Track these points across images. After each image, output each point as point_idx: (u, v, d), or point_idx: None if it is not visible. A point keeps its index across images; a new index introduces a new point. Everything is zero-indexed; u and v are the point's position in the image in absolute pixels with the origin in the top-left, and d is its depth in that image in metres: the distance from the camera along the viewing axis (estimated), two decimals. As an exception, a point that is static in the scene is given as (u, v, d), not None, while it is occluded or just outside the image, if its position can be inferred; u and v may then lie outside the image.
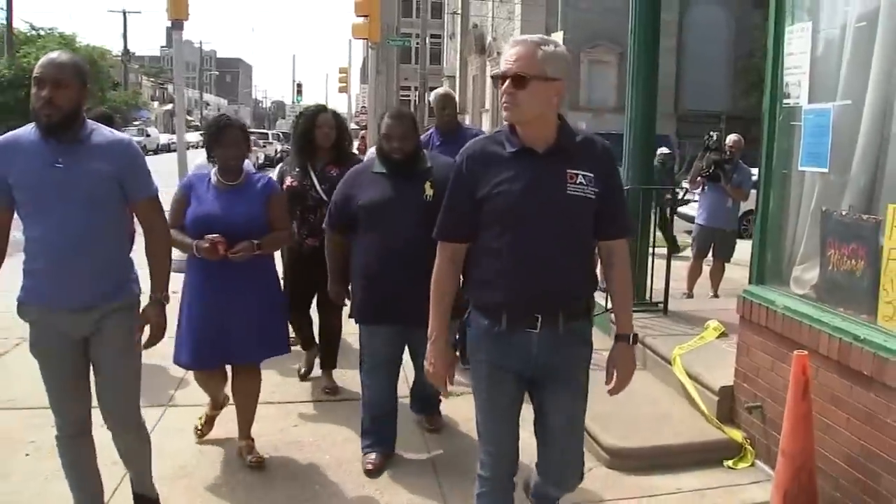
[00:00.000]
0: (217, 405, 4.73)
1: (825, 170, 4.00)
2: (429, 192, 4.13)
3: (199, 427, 4.74)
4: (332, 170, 5.18)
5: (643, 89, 6.58)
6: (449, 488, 4.15)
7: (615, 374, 3.00)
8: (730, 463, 4.37)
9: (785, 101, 4.30)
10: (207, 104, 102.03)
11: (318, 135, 5.38)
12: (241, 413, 4.51)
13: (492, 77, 2.89)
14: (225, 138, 4.20)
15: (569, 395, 3.00)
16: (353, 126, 28.57)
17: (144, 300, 3.46)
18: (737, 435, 4.46)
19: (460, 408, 4.84)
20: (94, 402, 3.49)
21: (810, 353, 3.70)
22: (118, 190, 3.33)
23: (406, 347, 4.50)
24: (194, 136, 62.11)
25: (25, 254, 3.30)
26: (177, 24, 10.33)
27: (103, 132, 3.36)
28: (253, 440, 4.51)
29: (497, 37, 40.39)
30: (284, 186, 5.33)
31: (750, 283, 4.58)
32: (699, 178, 8.60)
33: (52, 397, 3.42)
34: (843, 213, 3.87)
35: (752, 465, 4.34)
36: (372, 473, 4.34)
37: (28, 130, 3.27)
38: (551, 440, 3.03)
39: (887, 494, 3.39)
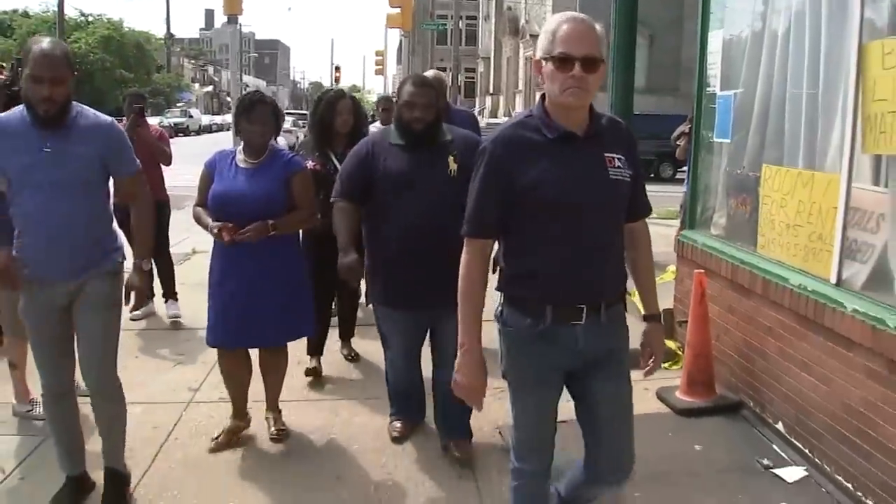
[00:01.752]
0: (239, 413, 4.54)
1: (728, 141, 5.34)
2: (453, 166, 3.94)
3: (217, 436, 4.48)
4: None
5: (622, 81, 7.73)
6: (484, 483, 4.09)
7: (652, 354, 3.03)
8: (666, 365, 5.74)
9: (707, 88, 5.67)
10: (247, 86, 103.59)
11: (337, 121, 5.44)
12: (268, 387, 4.60)
13: (554, 58, 2.62)
14: (254, 114, 4.16)
15: (615, 381, 2.93)
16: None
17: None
18: (672, 344, 5.84)
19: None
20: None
21: (715, 276, 5.11)
22: (102, 170, 3.51)
23: (428, 337, 4.33)
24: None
25: (15, 227, 3.51)
26: (232, 19, 11.83)
27: (87, 115, 3.50)
28: (280, 411, 4.62)
29: (530, 19, 41.39)
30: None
31: (683, 229, 5.98)
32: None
33: (39, 358, 3.64)
34: (738, 172, 5.23)
35: (682, 366, 5.72)
36: (399, 440, 4.44)
37: (17, 115, 3.41)
38: (605, 429, 2.93)
39: (761, 374, 4.76)
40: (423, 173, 3.94)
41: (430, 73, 6.35)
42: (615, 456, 2.96)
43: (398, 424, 4.49)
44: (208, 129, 52.12)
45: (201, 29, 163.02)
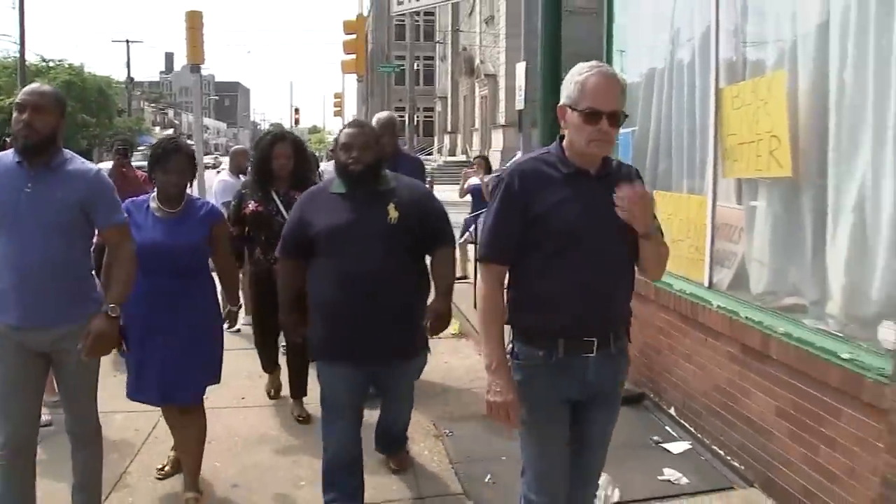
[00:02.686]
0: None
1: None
2: (393, 214, 3.80)
3: (163, 466, 4.52)
4: (295, 194, 4.79)
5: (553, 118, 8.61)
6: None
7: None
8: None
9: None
10: (207, 128, 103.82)
11: (275, 165, 5.35)
12: (185, 459, 4.30)
13: (582, 112, 2.70)
14: (170, 164, 4.01)
15: (611, 408, 3.05)
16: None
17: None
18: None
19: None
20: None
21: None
22: (83, 218, 3.41)
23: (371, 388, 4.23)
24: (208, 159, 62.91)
25: None
26: (194, 68, 12.57)
27: (76, 162, 3.45)
28: (201, 493, 4.25)
29: (484, 59, 42.50)
30: (248, 211, 5.33)
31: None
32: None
33: (3, 407, 3.45)
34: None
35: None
36: None
37: (8, 154, 3.41)
38: (590, 449, 3.05)
39: (656, 368, 5.57)
40: (362, 222, 3.81)
41: (383, 115, 6.38)
42: (592, 472, 3.13)
43: None
44: (170, 172, 52.16)
45: (161, 72, 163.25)
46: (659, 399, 5.52)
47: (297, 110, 52.48)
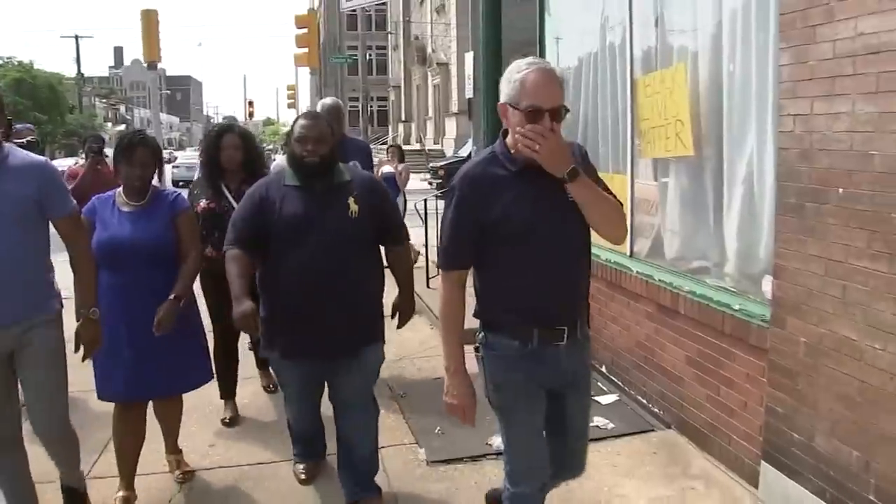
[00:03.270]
0: (128, 484, 4.14)
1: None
2: (354, 207, 3.75)
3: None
4: (247, 189, 4.28)
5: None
6: None
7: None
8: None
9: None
10: (161, 123, 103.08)
11: (222, 156, 5.20)
12: (165, 431, 4.46)
13: (524, 111, 2.68)
14: (134, 156, 3.97)
15: (584, 394, 3.14)
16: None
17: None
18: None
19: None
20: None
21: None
22: (36, 210, 3.33)
23: (326, 384, 4.12)
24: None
25: None
26: (151, 65, 12.95)
27: (18, 154, 3.36)
28: (181, 452, 4.52)
29: (436, 48, 42.92)
30: (199, 209, 5.10)
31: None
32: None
33: None
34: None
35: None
36: (306, 482, 4.36)
37: None
38: (571, 436, 3.11)
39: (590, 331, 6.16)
40: (322, 215, 3.73)
41: (328, 101, 6.32)
42: (576, 459, 3.20)
43: (302, 467, 4.40)
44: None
45: (111, 67, 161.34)
46: (592, 359, 6.13)
47: (251, 103, 52.36)
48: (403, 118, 55.31)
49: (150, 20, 12.66)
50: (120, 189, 4.09)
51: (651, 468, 4.49)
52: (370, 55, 55.19)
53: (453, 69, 37.74)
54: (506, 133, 2.86)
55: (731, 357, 4.29)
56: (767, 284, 4.00)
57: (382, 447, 4.44)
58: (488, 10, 7.41)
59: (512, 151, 2.82)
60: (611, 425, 5.05)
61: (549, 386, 2.97)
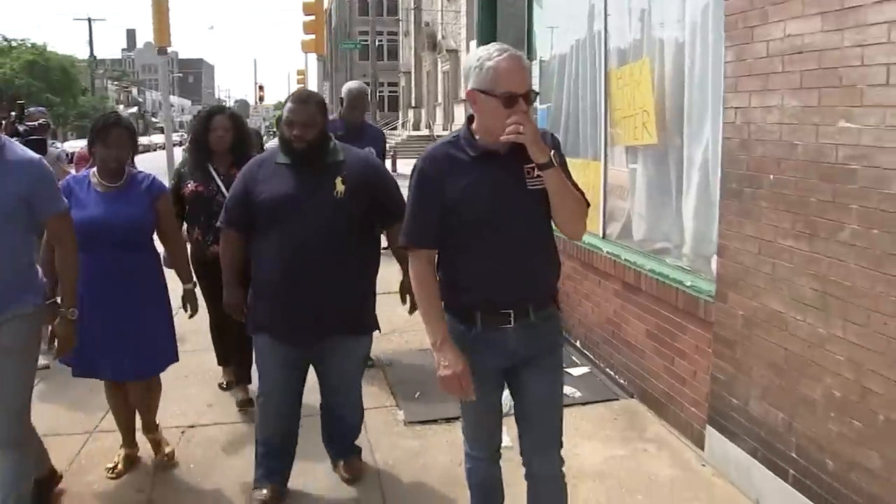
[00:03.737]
0: (129, 442, 4.46)
1: (546, 141, 7.15)
2: (340, 187, 3.73)
3: (112, 466, 4.38)
4: (236, 173, 4.29)
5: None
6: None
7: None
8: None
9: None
10: (172, 106, 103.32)
11: (211, 138, 5.06)
12: (141, 413, 4.45)
13: (499, 97, 2.71)
14: (109, 137, 3.97)
15: (547, 373, 3.09)
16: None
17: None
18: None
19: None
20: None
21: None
22: (25, 207, 3.27)
23: (311, 367, 4.09)
24: (161, 138, 62.05)
25: None
26: (162, 50, 13.31)
27: (14, 150, 3.32)
28: (158, 426, 4.51)
29: (446, 35, 43.16)
30: (187, 191, 5.07)
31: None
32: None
33: None
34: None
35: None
36: None
37: None
38: (531, 417, 3.11)
39: (566, 308, 6.53)
40: (308, 195, 3.71)
41: (353, 85, 6.37)
42: (541, 439, 3.12)
43: (263, 492, 4.00)
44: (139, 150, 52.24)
45: (123, 49, 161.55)
46: (568, 335, 6.50)
47: (261, 87, 52.71)
48: (413, 104, 55.50)
49: (160, 6, 13.04)
50: (94, 170, 4.11)
51: (610, 432, 4.87)
52: (381, 41, 55.39)
53: (463, 56, 37.95)
54: (471, 119, 2.91)
55: (683, 330, 4.66)
56: (714, 264, 4.36)
57: (366, 409, 4.54)
58: (484, 2, 7.84)
59: (476, 137, 2.87)
60: (578, 394, 5.42)
61: (500, 366, 3.04)
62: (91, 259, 3.86)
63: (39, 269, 3.59)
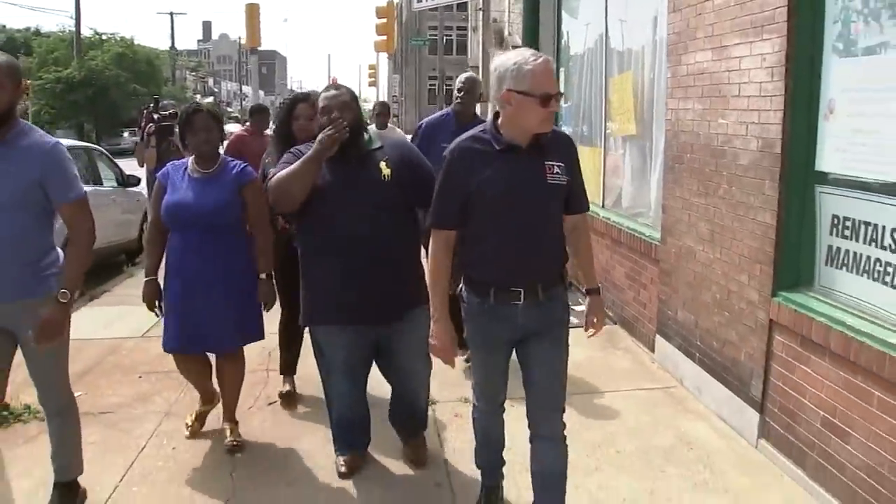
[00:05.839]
0: (207, 399, 4.76)
1: (568, 128, 8.93)
2: (386, 171, 3.83)
3: (190, 423, 4.76)
4: None
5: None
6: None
7: (594, 320, 3.57)
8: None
9: (559, 101, 9.30)
10: (246, 96, 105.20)
11: (294, 126, 4.86)
12: (225, 396, 4.62)
13: (538, 97, 3.02)
14: (196, 124, 4.20)
15: (549, 345, 3.33)
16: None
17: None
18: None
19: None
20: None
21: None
22: (41, 192, 3.29)
23: (376, 351, 4.14)
24: (236, 127, 63.87)
25: None
26: (252, 51, 15.37)
27: (32, 135, 3.32)
28: (237, 423, 4.63)
29: (512, 31, 44.59)
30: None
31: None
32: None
33: None
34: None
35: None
36: (346, 476, 4.21)
37: None
38: (535, 384, 3.34)
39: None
40: (355, 181, 3.81)
41: (465, 74, 6.58)
42: (545, 404, 3.37)
43: (342, 459, 4.26)
44: (214, 138, 53.97)
45: (199, 40, 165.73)
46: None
47: (334, 81, 54.58)
48: (481, 97, 56.95)
49: (252, 12, 15.11)
50: (192, 158, 4.38)
51: (594, 344, 6.55)
52: (451, 35, 57.01)
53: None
54: (497, 115, 3.22)
55: (644, 269, 6.46)
56: (660, 218, 6.14)
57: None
58: (528, 8, 10.01)
59: (501, 132, 3.18)
60: (575, 321, 7.19)
61: (509, 337, 3.34)
62: (182, 239, 4.26)
63: (60, 254, 3.57)
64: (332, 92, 3.96)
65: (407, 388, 4.29)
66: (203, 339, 4.37)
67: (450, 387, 5.40)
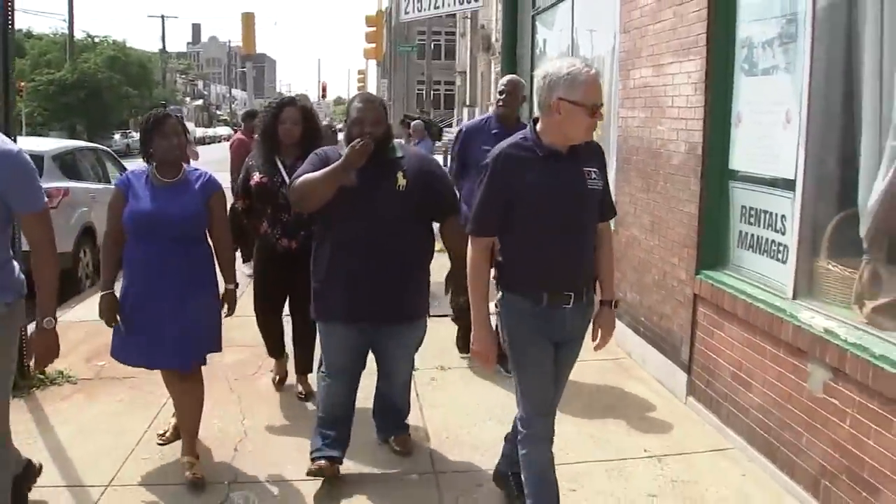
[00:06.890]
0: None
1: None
2: (401, 181, 3.89)
3: (164, 432, 4.66)
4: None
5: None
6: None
7: (601, 332, 3.54)
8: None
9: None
10: (235, 99, 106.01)
11: (280, 130, 4.94)
12: (182, 424, 4.31)
13: (589, 107, 3.10)
14: (165, 128, 4.02)
15: (575, 348, 3.48)
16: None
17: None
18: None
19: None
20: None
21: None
22: (1, 203, 3.08)
23: (370, 352, 4.27)
24: (225, 130, 63.82)
25: None
26: (246, 57, 16.17)
27: None
28: (197, 457, 4.28)
29: (499, 38, 45.06)
30: (252, 183, 5.00)
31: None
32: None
33: None
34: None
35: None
36: (315, 474, 4.14)
37: None
38: (561, 376, 3.47)
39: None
40: (372, 188, 3.87)
41: (507, 77, 6.47)
42: (559, 391, 3.54)
43: (320, 462, 4.15)
44: (201, 142, 52.75)
45: (188, 43, 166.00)
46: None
47: (324, 86, 55.45)
48: (468, 102, 57.60)
49: (248, 21, 15.88)
50: (154, 166, 4.13)
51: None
52: (439, 40, 57.64)
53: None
54: (536, 121, 3.29)
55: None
56: (615, 212, 6.98)
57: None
58: (507, 17, 11.02)
59: (541, 138, 3.23)
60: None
61: (553, 339, 3.37)
62: (142, 250, 4.07)
63: (16, 265, 3.33)
64: (366, 104, 4.02)
65: (389, 388, 4.52)
66: (159, 354, 4.15)
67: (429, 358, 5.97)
